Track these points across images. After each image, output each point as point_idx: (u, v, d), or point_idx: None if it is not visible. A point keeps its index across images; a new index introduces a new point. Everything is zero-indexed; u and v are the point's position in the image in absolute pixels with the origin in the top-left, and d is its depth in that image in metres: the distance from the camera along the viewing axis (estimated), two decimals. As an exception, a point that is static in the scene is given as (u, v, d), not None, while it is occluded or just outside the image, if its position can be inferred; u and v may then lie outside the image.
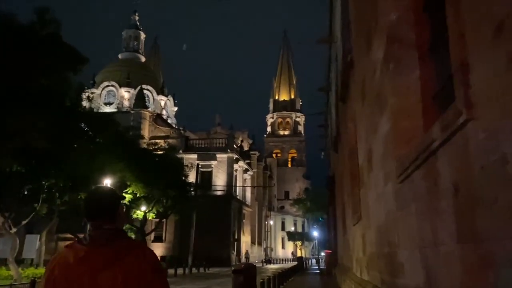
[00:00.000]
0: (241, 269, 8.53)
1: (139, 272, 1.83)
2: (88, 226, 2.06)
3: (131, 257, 1.86)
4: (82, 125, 21.03)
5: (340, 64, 11.66)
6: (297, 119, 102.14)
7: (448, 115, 2.43)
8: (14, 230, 18.99)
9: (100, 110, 33.69)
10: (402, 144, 4.07)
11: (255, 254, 60.21)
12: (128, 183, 24.72)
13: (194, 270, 32.40)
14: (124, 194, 24.72)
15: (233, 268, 8.90)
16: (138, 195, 26.22)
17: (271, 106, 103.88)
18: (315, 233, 75.37)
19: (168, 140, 45.09)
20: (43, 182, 20.02)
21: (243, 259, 47.91)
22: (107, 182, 22.11)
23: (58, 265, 1.86)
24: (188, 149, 50.19)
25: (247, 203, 58.67)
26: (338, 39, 13.59)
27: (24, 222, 20.19)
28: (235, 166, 52.51)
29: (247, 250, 53.45)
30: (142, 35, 66.51)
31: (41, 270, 20.82)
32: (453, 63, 2.36)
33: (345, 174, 11.86)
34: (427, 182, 3.03)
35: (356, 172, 8.45)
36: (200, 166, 41.08)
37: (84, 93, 21.80)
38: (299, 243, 78.01)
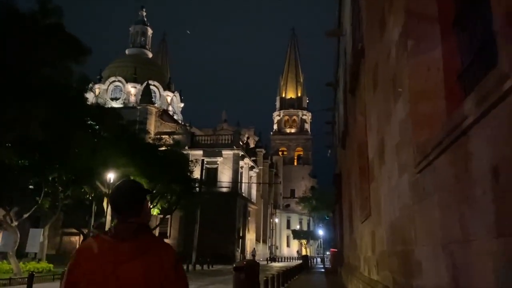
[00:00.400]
0: (243, 266, 8.11)
1: (160, 268, 1.87)
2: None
3: (153, 252, 1.90)
4: (86, 117, 20.67)
5: (349, 56, 11.24)
6: (304, 117, 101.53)
7: (487, 84, 2.03)
8: (15, 223, 18.75)
9: (107, 105, 33.53)
10: (421, 130, 3.67)
11: (260, 252, 59.83)
12: (132, 178, 24.40)
13: (198, 267, 32.13)
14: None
15: (234, 265, 8.47)
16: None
17: (277, 103, 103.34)
18: (321, 232, 74.88)
19: (174, 136, 44.83)
20: (46, 176, 19.78)
21: (249, 257, 47.54)
22: (111, 176, 21.82)
23: (83, 255, 1.89)
24: (194, 145, 49.88)
25: (252, 200, 58.30)
26: (347, 31, 13.18)
27: (25, 216, 19.96)
28: (241, 163, 52.13)
29: (254, 248, 53.07)
30: (149, 31, 66.26)
31: (43, 265, 20.58)
32: (496, 17, 1.95)
33: (353, 170, 11.44)
34: (454, 168, 2.63)
35: (366, 167, 8.05)
36: (205, 162, 40.73)
37: (88, 86, 21.44)
38: (304, 241, 77.57)
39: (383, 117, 5.61)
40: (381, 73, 5.74)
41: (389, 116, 5.03)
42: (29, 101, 13.33)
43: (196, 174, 35.58)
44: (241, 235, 50.21)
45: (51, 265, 20.86)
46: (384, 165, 5.57)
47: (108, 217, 22.70)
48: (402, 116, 4.25)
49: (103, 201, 23.91)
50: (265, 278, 11.23)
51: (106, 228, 23.05)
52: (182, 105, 66.82)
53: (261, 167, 64.83)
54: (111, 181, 21.83)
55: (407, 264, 4.22)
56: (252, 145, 64.93)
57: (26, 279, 13.33)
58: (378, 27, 5.86)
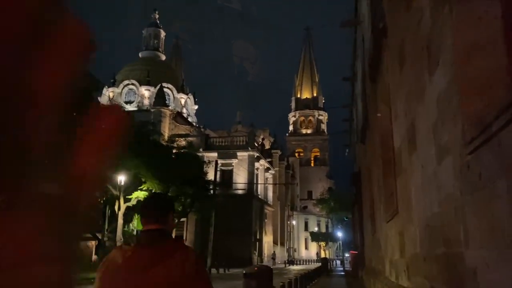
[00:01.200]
0: (254, 272, 7.31)
1: (181, 271, 1.86)
2: None
3: (175, 257, 1.90)
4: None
5: (369, 40, 10.39)
6: (320, 117, 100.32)
7: None
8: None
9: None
10: (473, 95, 2.83)
11: (278, 255, 58.96)
12: (143, 179, 23.85)
13: (213, 270, 31.45)
14: (139, 191, 23.77)
15: (244, 271, 7.66)
16: (154, 191, 25.36)
17: (293, 104, 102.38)
18: (339, 234, 73.62)
19: (188, 138, 44.31)
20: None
21: (269, 260, 46.63)
22: (121, 178, 21.25)
23: (108, 266, 1.91)
24: (209, 147, 49.29)
25: (269, 202, 57.43)
26: (366, 16, 12.34)
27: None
28: (256, 164, 51.32)
29: (274, 251, 52.19)
30: (162, 33, 66.13)
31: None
32: None
33: (374, 165, 10.59)
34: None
35: (391, 159, 7.20)
36: (220, 164, 39.99)
37: (96, 85, 20.92)
38: (323, 243, 76.37)
39: (413, 96, 4.83)
40: (410, 45, 4.95)
41: (422, 93, 4.25)
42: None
43: (211, 176, 34.93)
44: (258, 237, 49.38)
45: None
46: (416, 152, 4.76)
47: (120, 221, 22.14)
48: (442, 86, 3.42)
49: (114, 205, 23.36)
50: (281, 283, 10.44)
51: (118, 233, 22.62)
52: (196, 107, 66.47)
53: (277, 169, 63.91)
54: (122, 183, 21.27)
55: (452, 270, 3.38)
56: (267, 147, 64.06)
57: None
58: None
